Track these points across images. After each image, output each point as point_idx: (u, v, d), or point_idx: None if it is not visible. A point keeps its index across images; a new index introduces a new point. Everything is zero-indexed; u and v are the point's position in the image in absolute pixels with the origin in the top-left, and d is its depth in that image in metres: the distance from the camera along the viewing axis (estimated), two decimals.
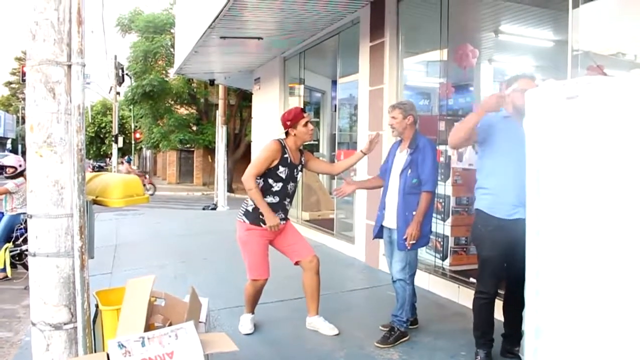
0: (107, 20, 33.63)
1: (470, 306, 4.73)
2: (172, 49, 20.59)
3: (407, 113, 4.00)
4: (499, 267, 3.42)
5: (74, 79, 2.62)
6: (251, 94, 13.14)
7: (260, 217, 4.05)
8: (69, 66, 2.61)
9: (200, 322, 2.95)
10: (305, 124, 4.10)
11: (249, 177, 3.99)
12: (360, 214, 6.88)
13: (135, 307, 2.59)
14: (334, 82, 10.42)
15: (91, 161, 39.66)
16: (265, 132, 11.01)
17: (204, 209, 15.13)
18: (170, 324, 2.67)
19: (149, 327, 2.61)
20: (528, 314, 3.01)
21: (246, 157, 18.21)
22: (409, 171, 3.95)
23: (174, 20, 17.49)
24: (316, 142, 11.03)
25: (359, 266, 6.71)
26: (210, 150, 24.76)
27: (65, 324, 2.63)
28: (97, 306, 2.88)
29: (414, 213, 3.92)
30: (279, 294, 5.11)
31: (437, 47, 5.79)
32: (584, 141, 2.66)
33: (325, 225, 8.55)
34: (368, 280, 6.01)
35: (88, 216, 2.78)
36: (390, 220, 4.07)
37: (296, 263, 4.25)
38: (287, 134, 4.18)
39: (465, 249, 5.57)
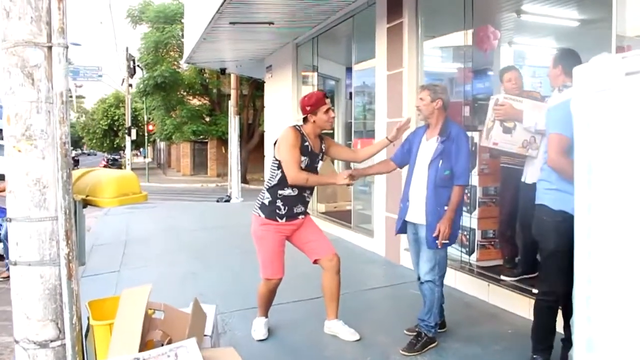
0: (118, 12, 33.45)
1: (502, 305, 4.45)
2: (182, 40, 20.37)
3: (436, 96, 3.61)
4: (567, 263, 3.01)
5: (55, 62, 2.29)
6: (264, 83, 12.82)
7: (277, 211, 3.73)
8: (49, 48, 2.27)
9: (205, 335, 2.61)
10: (327, 111, 3.73)
11: (294, 173, 3.64)
12: (380, 206, 6.51)
13: (130, 322, 2.27)
14: (348, 69, 10.09)
15: (105, 154, 39.69)
16: (279, 122, 10.68)
17: (217, 201, 14.91)
18: (170, 341, 2.34)
19: (146, 344, 2.29)
20: (578, 324, 2.63)
21: (260, 148, 17.96)
22: (441, 162, 3.56)
23: (184, 10, 17.22)
24: (331, 132, 10.66)
25: (379, 261, 6.33)
26: (223, 141, 24.67)
27: (51, 341, 2.32)
28: (89, 319, 2.57)
29: (445, 208, 3.55)
30: (294, 293, 4.77)
31: (461, 28, 5.39)
32: None
33: (342, 217, 8.18)
34: (389, 277, 5.64)
35: (77, 218, 2.45)
36: (416, 215, 3.69)
37: (315, 262, 3.90)
38: (305, 120, 3.82)
39: (493, 243, 5.19)
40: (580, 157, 2.53)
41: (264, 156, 12.66)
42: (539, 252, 3.23)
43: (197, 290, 5.21)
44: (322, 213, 8.97)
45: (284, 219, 3.77)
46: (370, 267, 6.13)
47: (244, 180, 20.20)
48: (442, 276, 3.69)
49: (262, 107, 20.05)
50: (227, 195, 15.12)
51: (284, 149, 3.68)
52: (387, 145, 4.01)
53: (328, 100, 3.77)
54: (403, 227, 3.86)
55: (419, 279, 3.78)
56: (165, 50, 24.65)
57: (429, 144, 3.68)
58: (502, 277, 4.61)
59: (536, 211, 3.13)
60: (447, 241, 3.57)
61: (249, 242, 3.96)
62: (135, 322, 2.24)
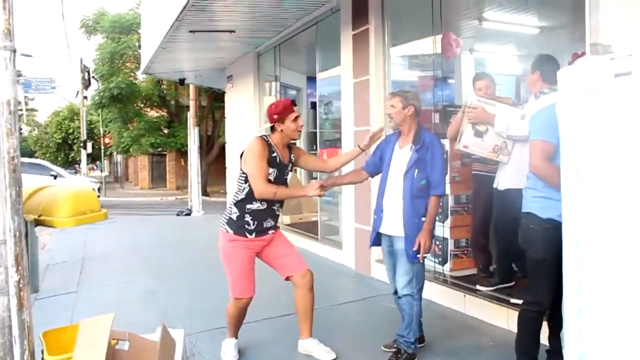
0: (71, 22, 32.72)
1: (479, 316, 4.33)
2: (139, 51, 19.95)
3: (408, 102, 3.49)
4: (555, 272, 2.89)
5: (1, 68, 2.05)
6: (223, 94, 12.56)
7: (246, 226, 3.52)
8: None
9: None
10: (295, 119, 3.55)
11: (261, 187, 3.44)
12: (348, 217, 6.36)
13: (90, 355, 2.03)
14: (310, 79, 9.99)
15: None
16: (240, 132, 10.47)
17: (177, 214, 14.50)
18: None
19: None
20: (568, 337, 2.51)
21: (220, 159, 17.65)
22: (416, 171, 3.43)
23: (141, 19, 16.86)
24: (293, 142, 10.47)
25: (349, 274, 6.17)
26: (182, 153, 24.33)
27: None
28: (43, 352, 2.31)
29: (423, 219, 3.42)
30: (265, 310, 4.54)
31: (428, 34, 5.31)
32: (638, 127, 2.19)
33: (309, 229, 7.99)
34: (361, 291, 5.47)
35: (28, 241, 2.20)
36: (392, 227, 3.54)
37: (287, 278, 3.70)
38: (272, 129, 3.63)
39: (466, 252, 5.10)
40: (567, 163, 2.42)
41: (225, 168, 12.39)
42: (527, 261, 3.11)
43: (159, 311, 4.96)
44: (288, 225, 8.77)
45: (254, 235, 3.56)
46: (341, 280, 5.97)
47: (205, 192, 19.84)
48: (420, 289, 3.55)
49: (222, 118, 19.75)
50: (187, 209, 14.74)
51: (250, 161, 3.49)
52: (359, 154, 3.85)
53: (296, 108, 3.60)
54: (377, 239, 3.70)
55: (395, 292, 3.63)
56: (121, 62, 24.09)
57: (403, 153, 3.54)
58: (478, 287, 4.51)
59: (523, 219, 3.03)
60: (427, 254, 3.44)
61: (212, 257, 3.75)
62: (96, 354, 2.00)
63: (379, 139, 3.76)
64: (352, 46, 6.10)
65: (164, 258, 7.64)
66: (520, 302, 4.04)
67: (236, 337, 3.79)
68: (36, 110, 59.44)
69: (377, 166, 3.71)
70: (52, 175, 16.26)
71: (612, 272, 2.29)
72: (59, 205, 3.24)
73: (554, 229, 2.73)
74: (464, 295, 4.52)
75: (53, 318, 4.99)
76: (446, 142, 4.83)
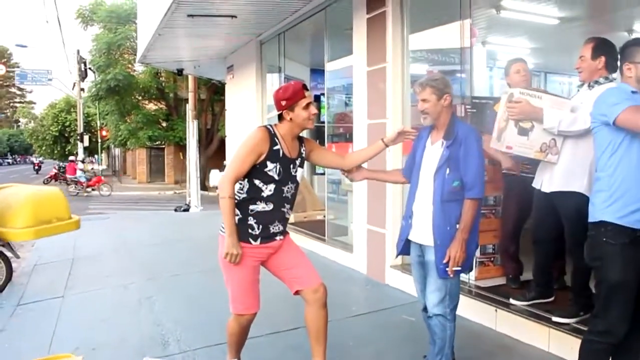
0: (67, 13, 32.25)
1: (514, 335, 3.80)
2: (137, 41, 19.56)
3: (442, 92, 2.97)
4: (632, 297, 2.42)
5: None
6: (223, 87, 12.03)
7: (250, 231, 3.00)
8: None
9: None
10: (307, 106, 3.02)
11: (225, 181, 2.94)
12: (360, 217, 5.84)
13: None
14: (313, 71, 9.47)
15: (57, 161, 38.02)
16: (241, 125, 9.96)
17: (175, 210, 14.13)
18: None
19: None
20: None
21: (220, 153, 17.22)
22: (447, 170, 2.94)
23: (137, 5, 16.35)
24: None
25: (361, 280, 5.63)
26: (181, 147, 24.01)
27: None
28: None
29: (456, 227, 2.92)
30: (270, 323, 4.03)
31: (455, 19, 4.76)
32: None
33: (314, 228, 7.44)
34: (376, 300, 4.94)
35: None
36: (422, 234, 3.04)
37: (296, 292, 3.17)
38: (280, 117, 3.09)
39: (492, 259, 4.59)
40: None
41: (224, 162, 11.90)
42: (595, 283, 2.60)
43: (153, 322, 4.48)
44: (291, 224, 8.22)
45: (259, 241, 3.04)
46: (352, 287, 5.45)
47: (204, 187, 19.44)
48: (454, 308, 3.05)
49: (221, 111, 19.27)
50: (185, 204, 14.34)
51: (239, 149, 2.98)
52: (383, 149, 3.33)
53: (309, 93, 3.06)
54: (405, 247, 3.20)
55: (424, 309, 3.13)
56: (118, 53, 23.66)
57: (434, 150, 3.04)
58: (513, 302, 4.00)
59: (592, 231, 2.51)
60: (459, 268, 2.93)
61: (212, 259, 3.21)
62: None
63: (408, 135, 3.26)
64: (367, 31, 5.56)
65: (160, 259, 7.15)
66: (563, 321, 3.57)
67: (238, 358, 3.29)
68: (34, 103, 59.02)
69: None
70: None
71: None
72: (14, 214, 2.78)
73: (633, 243, 2.23)
74: (496, 310, 4.00)
75: (33, 329, 4.52)
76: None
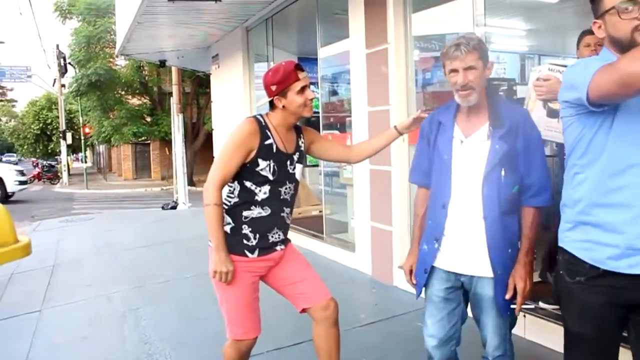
0: (43, 4, 31.35)
1: (546, 344, 3.38)
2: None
3: (488, 58, 2.23)
4: (598, 355, 1.88)
5: None
6: (208, 80, 11.49)
7: (245, 241, 2.53)
8: None
9: None
10: (302, 90, 2.49)
11: (210, 185, 2.45)
12: (363, 214, 5.39)
13: None
14: (302, 59, 8.99)
15: (40, 160, 37.27)
16: (229, 117, 9.47)
17: (163, 207, 13.61)
18: None
19: None
20: None
21: (206, 148, 16.72)
22: (503, 172, 2.19)
23: None
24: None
25: (366, 282, 5.19)
26: (167, 142, 23.48)
27: None
28: None
29: (518, 246, 2.24)
30: (272, 338, 3.57)
31: None
32: None
33: (311, 225, 6.95)
34: (385, 306, 4.49)
35: None
36: (463, 262, 2.29)
37: (302, 310, 2.73)
38: (272, 105, 2.59)
39: None
40: None
41: (212, 157, 11.40)
42: None
43: (139, 339, 4.02)
44: None
45: (256, 253, 2.55)
46: (357, 291, 5.00)
47: (191, 182, 18.97)
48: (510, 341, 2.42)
49: (207, 104, 18.71)
50: (173, 201, 13.83)
51: (223, 147, 2.50)
52: (396, 138, 2.85)
53: (304, 75, 2.52)
54: (428, 278, 2.41)
55: (442, 344, 2.41)
56: (99, 46, 23.03)
57: (474, 143, 2.25)
58: (541, 305, 3.58)
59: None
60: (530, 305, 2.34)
61: (204, 261, 2.70)
62: None
63: (422, 121, 2.71)
64: (365, 10, 5.09)
65: (148, 263, 6.66)
66: None
67: None
68: (15, 101, 57.90)
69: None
70: None
71: None
72: None
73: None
74: (524, 316, 3.58)
75: (3, 352, 4.01)
76: None
